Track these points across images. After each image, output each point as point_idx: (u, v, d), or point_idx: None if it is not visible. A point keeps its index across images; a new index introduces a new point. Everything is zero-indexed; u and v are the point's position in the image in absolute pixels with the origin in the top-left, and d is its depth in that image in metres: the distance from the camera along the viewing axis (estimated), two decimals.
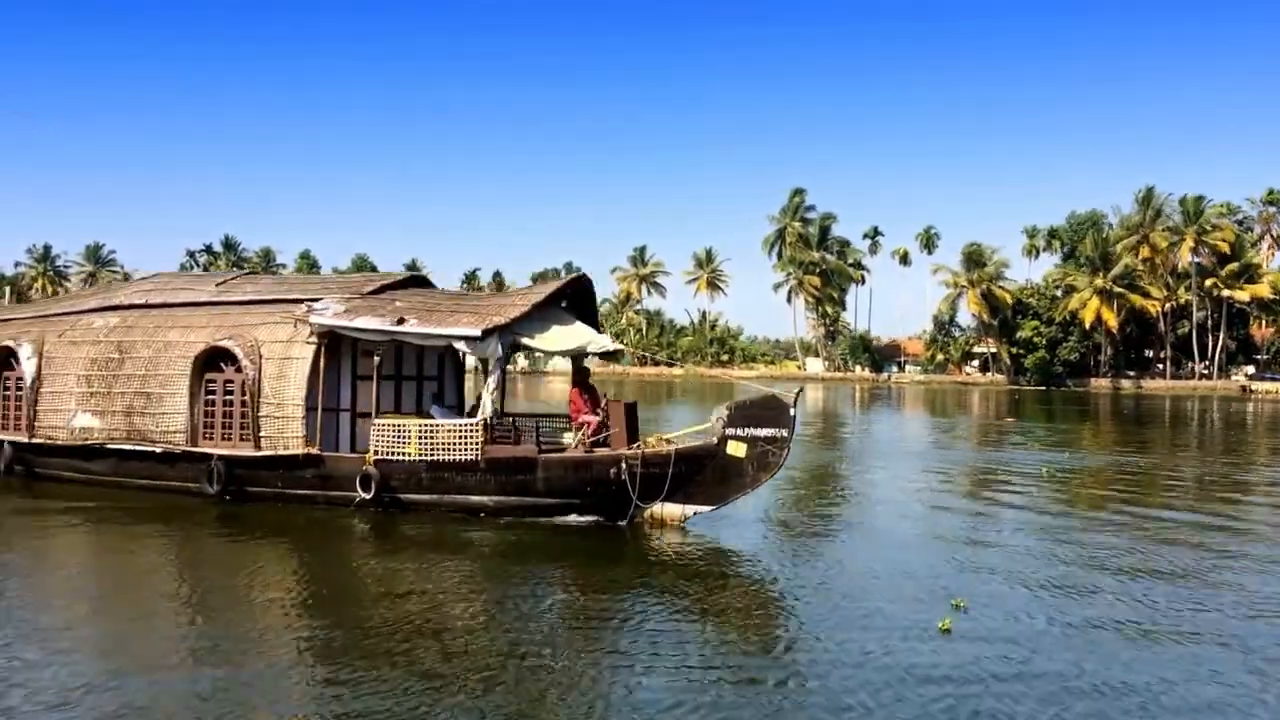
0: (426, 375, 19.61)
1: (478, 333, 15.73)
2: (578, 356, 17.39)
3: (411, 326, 16.14)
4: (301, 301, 18.02)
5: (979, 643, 10.14)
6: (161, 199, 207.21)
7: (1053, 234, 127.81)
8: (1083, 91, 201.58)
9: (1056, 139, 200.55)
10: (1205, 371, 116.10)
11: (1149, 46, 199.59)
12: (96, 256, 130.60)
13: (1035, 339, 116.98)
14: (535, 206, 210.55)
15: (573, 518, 15.91)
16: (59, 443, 19.20)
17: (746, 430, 14.87)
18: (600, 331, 17.18)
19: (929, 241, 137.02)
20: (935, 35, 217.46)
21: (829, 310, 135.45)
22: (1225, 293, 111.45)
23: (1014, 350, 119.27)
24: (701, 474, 15.27)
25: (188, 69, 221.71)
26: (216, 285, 19.84)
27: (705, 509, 15.50)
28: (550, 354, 17.14)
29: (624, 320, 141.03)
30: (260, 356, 17.30)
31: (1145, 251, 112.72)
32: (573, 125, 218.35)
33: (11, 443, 19.93)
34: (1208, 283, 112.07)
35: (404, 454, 16.20)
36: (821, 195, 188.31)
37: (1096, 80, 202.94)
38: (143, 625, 10.76)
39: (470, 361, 17.77)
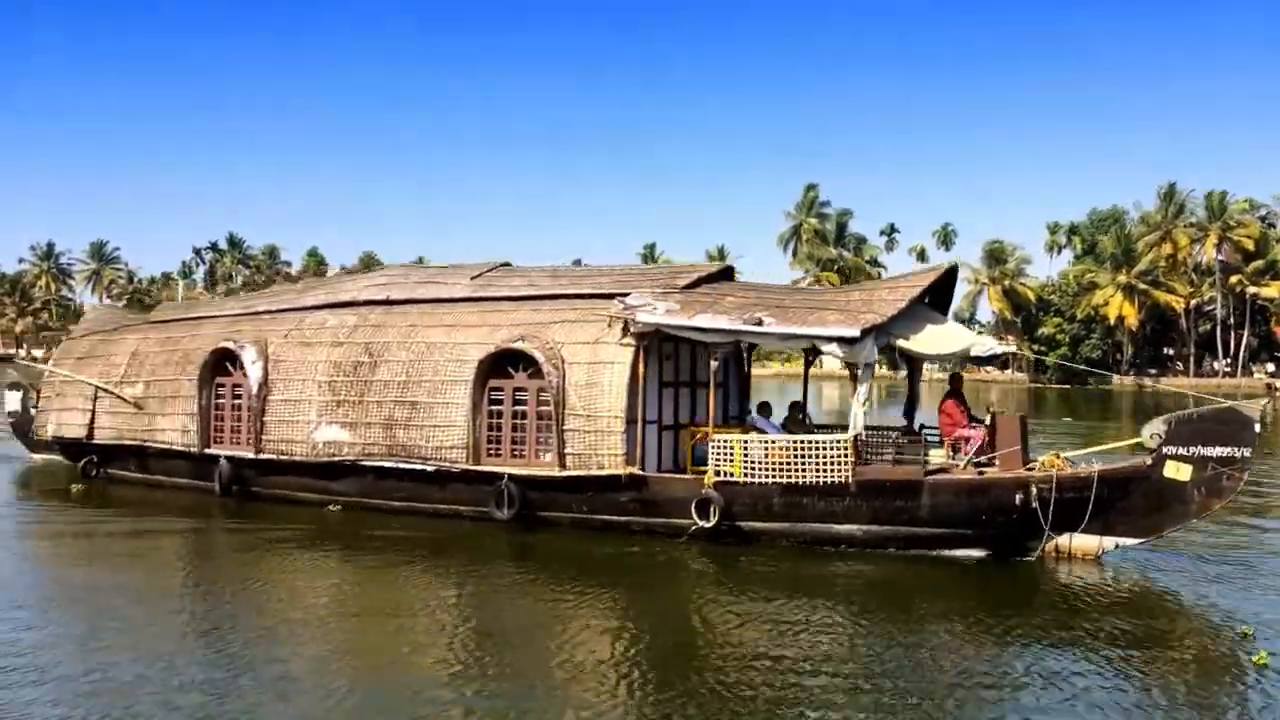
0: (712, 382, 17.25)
1: (856, 332, 13.52)
2: (919, 362, 15.24)
3: (771, 326, 13.89)
4: (598, 296, 15.78)
5: None
6: (165, 197, 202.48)
7: (1073, 230, 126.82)
8: (1099, 88, 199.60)
9: (1076, 135, 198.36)
10: (1228, 369, 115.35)
11: (1166, 42, 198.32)
12: (100, 254, 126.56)
13: (1058, 336, 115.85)
14: (542, 203, 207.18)
15: (960, 551, 13.73)
16: (297, 459, 16.78)
17: (1193, 449, 12.73)
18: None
19: (946, 238, 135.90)
20: (946, 31, 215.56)
21: None
22: (1250, 289, 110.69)
23: (1036, 347, 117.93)
24: (1127, 500, 13.14)
25: (191, 66, 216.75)
26: (472, 279, 17.48)
27: (1131, 541, 13.37)
28: (926, 357, 14.92)
29: None
30: (562, 360, 14.99)
31: (1167, 248, 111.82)
32: (581, 121, 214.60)
33: (231, 458, 17.51)
34: (1231, 279, 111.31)
35: (751, 475, 13.97)
36: (835, 192, 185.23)
37: (1113, 77, 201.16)
38: (427, 688, 8.67)
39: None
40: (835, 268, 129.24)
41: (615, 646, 10.03)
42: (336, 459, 16.45)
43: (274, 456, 17.04)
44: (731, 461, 14.14)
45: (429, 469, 15.75)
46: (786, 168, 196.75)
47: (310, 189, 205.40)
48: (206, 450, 17.85)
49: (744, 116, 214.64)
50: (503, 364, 15.48)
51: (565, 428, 14.82)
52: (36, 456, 22.12)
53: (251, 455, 17.25)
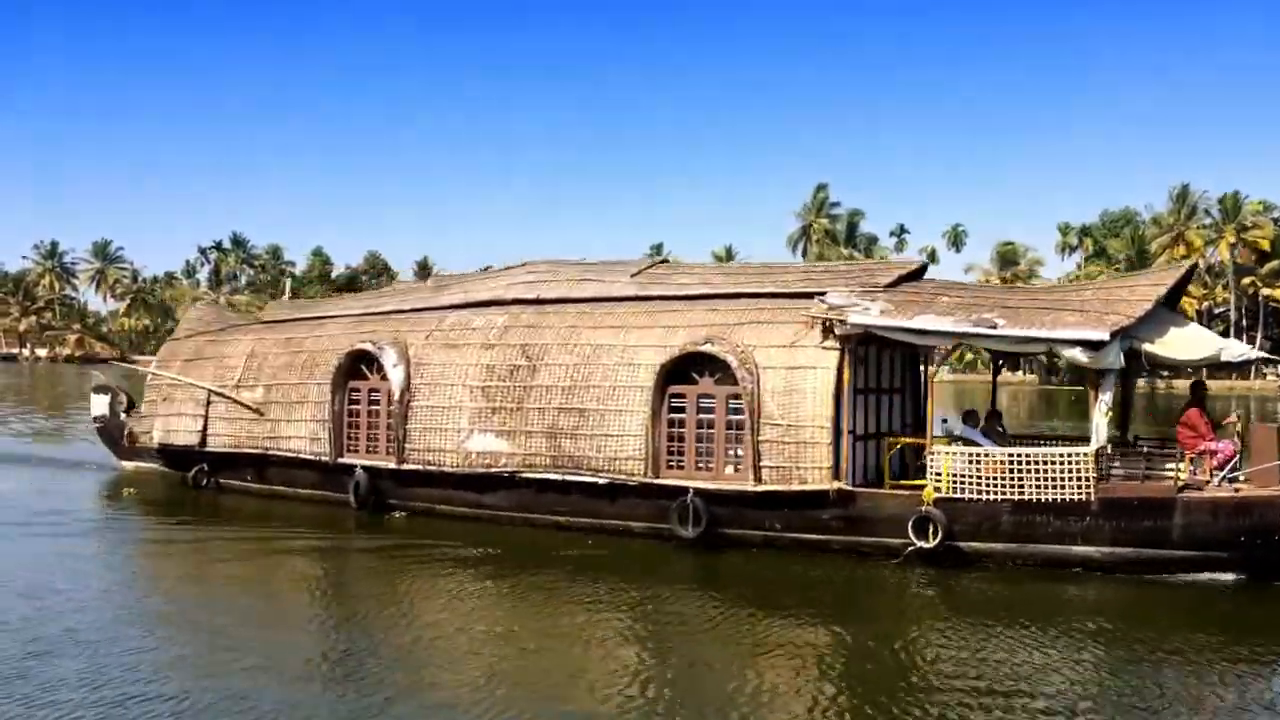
0: (893, 388, 16.08)
1: (1103, 335, 12.34)
2: (1139, 368, 14.08)
3: (1006, 329, 12.71)
4: (786, 295, 14.62)
5: None
6: (168, 197, 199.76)
7: (1085, 231, 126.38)
8: (1109, 88, 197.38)
9: (1086, 135, 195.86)
10: (1241, 371, 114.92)
11: (1174, 41, 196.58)
12: (104, 253, 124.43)
13: None
14: (545, 203, 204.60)
15: (1212, 575, 12.57)
16: (446, 469, 15.54)
17: None
18: None
19: (956, 239, 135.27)
20: (953, 31, 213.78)
21: None
22: (1264, 291, 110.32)
23: None
24: None
25: (193, 66, 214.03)
26: (632, 276, 16.23)
27: None
28: (1173, 363, 13.73)
29: None
30: (756, 365, 13.79)
31: (1180, 250, 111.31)
32: (589, 120, 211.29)
33: (368, 469, 16.24)
34: (1244, 281, 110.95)
35: (976, 491, 12.80)
36: (844, 192, 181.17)
37: (1122, 77, 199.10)
38: None
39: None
40: None
41: (820, 680, 8.99)
42: (493, 470, 15.21)
43: (419, 467, 15.78)
44: (958, 476, 12.96)
45: (600, 482, 14.54)
46: (791, 168, 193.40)
47: (312, 189, 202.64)
48: (340, 460, 16.58)
49: (747, 116, 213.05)
50: (685, 368, 14.27)
51: (761, 438, 13.63)
52: (126, 464, 20.80)
53: (393, 465, 16.00)
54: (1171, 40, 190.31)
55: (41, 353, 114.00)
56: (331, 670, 8.95)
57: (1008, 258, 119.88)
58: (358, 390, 16.65)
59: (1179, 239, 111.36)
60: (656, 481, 14.23)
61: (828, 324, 13.54)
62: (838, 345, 13.57)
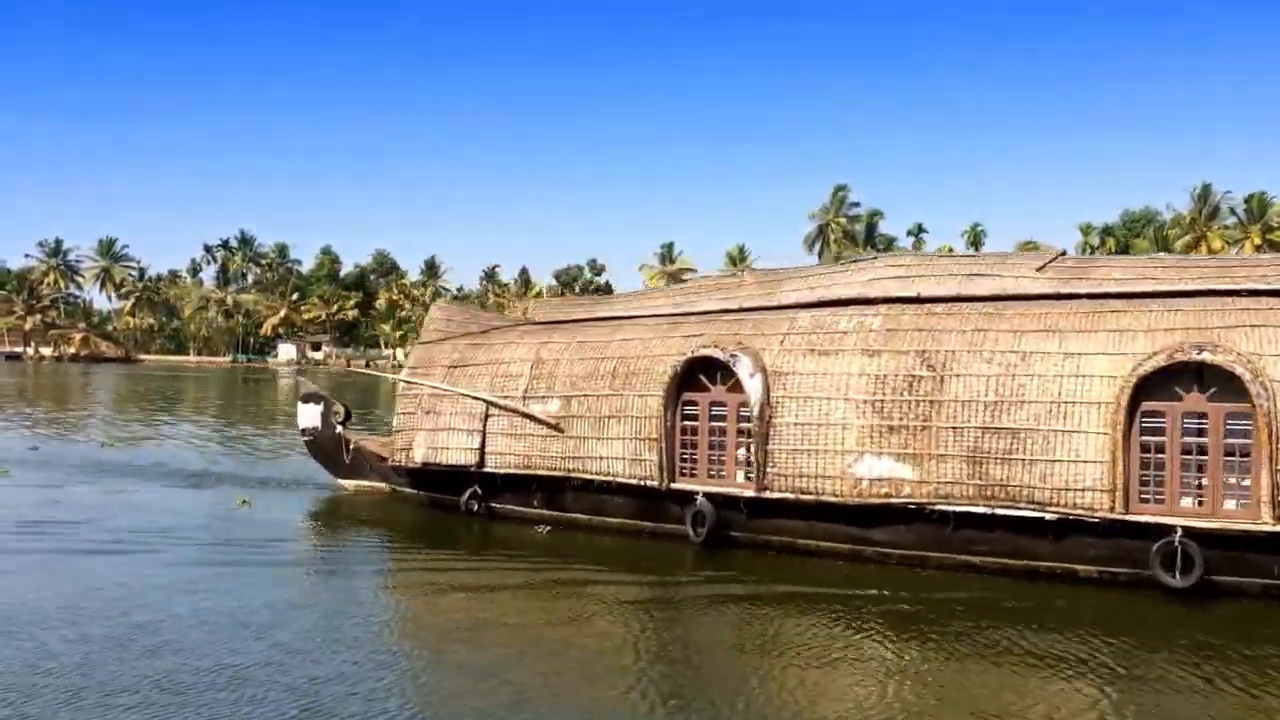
0: None
1: None
2: None
3: None
4: (1270, 294, 12.07)
5: None
6: (173, 194, 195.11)
7: (1107, 231, 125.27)
8: (1134, 87, 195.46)
9: (1107, 135, 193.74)
10: None
11: (1201, 42, 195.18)
12: (109, 251, 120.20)
13: None
14: (557, 202, 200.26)
15: None
16: (825, 499, 12.90)
17: None
18: None
19: (975, 239, 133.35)
20: (971, 28, 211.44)
21: None
22: None
23: None
24: None
25: (199, 63, 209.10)
26: (1038, 270, 13.60)
27: None
28: None
29: None
30: (1268, 377, 11.23)
31: (1203, 251, 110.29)
32: (598, 119, 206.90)
33: (712, 496, 13.58)
34: None
35: None
36: (859, 192, 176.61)
37: (1146, 75, 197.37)
38: None
39: None
40: None
41: None
42: (893, 501, 12.56)
43: (786, 495, 13.12)
44: None
45: (1048, 517, 11.93)
46: (803, 168, 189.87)
47: (319, 187, 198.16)
48: (672, 485, 13.88)
49: (758, 117, 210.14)
50: (1164, 381, 11.69)
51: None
52: (345, 482, 17.99)
53: (750, 494, 13.33)
54: (1190, 39, 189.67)
55: (46, 351, 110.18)
56: None
57: None
58: (694, 404, 13.94)
59: (1201, 239, 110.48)
60: (1127, 518, 11.65)
61: None
62: None
